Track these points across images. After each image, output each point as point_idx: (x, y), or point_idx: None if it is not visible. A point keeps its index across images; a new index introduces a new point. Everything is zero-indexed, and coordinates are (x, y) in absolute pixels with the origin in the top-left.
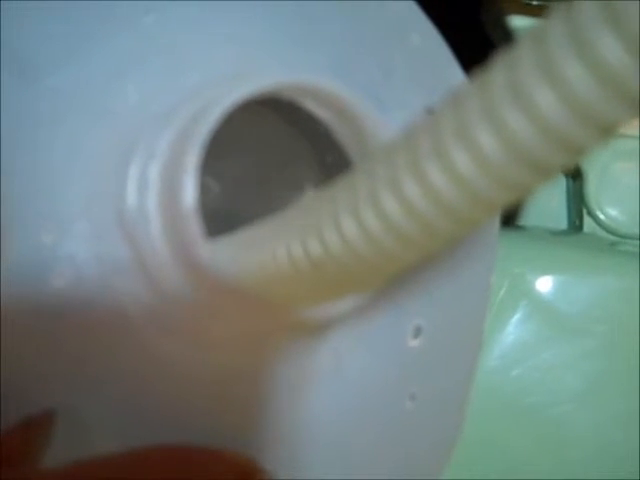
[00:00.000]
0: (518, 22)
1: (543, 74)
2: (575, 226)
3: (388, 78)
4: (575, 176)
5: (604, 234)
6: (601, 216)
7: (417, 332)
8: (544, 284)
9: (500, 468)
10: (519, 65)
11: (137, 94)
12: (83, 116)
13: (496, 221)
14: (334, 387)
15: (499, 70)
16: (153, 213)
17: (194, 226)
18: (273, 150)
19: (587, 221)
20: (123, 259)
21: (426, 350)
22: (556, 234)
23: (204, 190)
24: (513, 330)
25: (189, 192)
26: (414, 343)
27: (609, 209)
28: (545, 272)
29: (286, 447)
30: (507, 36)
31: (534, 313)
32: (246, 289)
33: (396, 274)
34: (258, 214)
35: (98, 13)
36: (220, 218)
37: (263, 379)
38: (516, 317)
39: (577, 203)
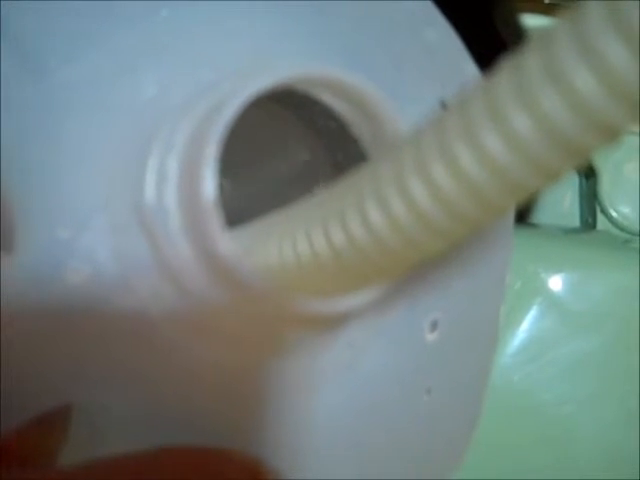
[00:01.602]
0: (530, 20)
1: (550, 78)
2: (588, 224)
3: (401, 72)
4: (588, 174)
5: (617, 232)
6: (614, 214)
7: (434, 326)
8: (557, 282)
9: (507, 465)
10: (526, 69)
11: (154, 87)
12: (99, 109)
13: (511, 215)
14: (350, 382)
15: (506, 73)
16: (172, 206)
17: (214, 218)
18: (285, 148)
19: (600, 219)
20: (141, 254)
21: (442, 344)
22: (569, 232)
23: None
24: (527, 327)
25: (208, 184)
26: (431, 337)
27: (622, 207)
28: (558, 270)
29: (302, 442)
30: (519, 34)
31: (548, 311)
32: (265, 280)
33: (417, 264)
34: (266, 208)
35: (111, 6)
36: (232, 217)
37: (279, 374)
38: (530, 315)
39: (590, 201)
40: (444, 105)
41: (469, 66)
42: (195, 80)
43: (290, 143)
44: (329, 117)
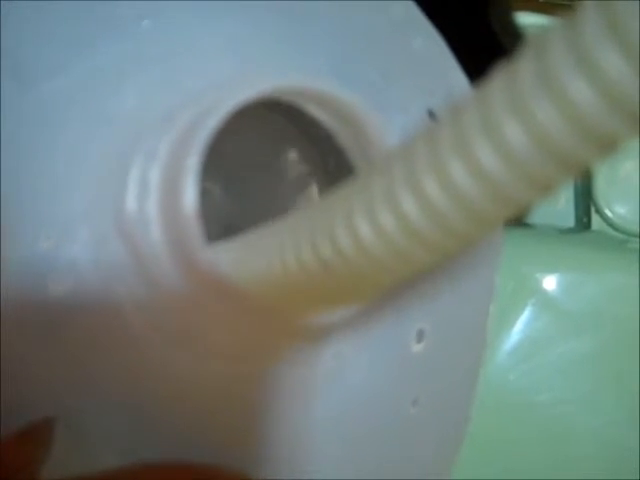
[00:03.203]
0: (525, 19)
1: (544, 89)
2: (583, 224)
3: (388, 81)
4: (583, 174)
5: (612, 232)
6: (609, 214)
7: (420, 336)
8: (552, 282)
9: (504, 465)
10: (520, 79)
11: (136, 98)
12: (82, 120)
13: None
14: (337, 392)
15: (499, 83)
16: (153, 217)
17: (195, 230)
18: (275, 154)
19: (595, 219)
20: (123, 264)
21: (429, 355)
22: (564, 232)
23: (204, 194)
24: (521, 328)
25: (190, 195)
26: (417, 348)
27: (617, 207)
28: (553, 270)
29: (288, 453)
30: (514, 33)
31: (542, 311)
32: (248, 294)
33: (408, 277)
34: (260, 218)
35: (94, 18)
36: (220, 222)
37: (264, 385)
38: (524, 315)
39: (585, 201)
40: (432, 114)
41: (457, 74)
42: (177, 91)
43: (282, 148)
44: (319, 125)
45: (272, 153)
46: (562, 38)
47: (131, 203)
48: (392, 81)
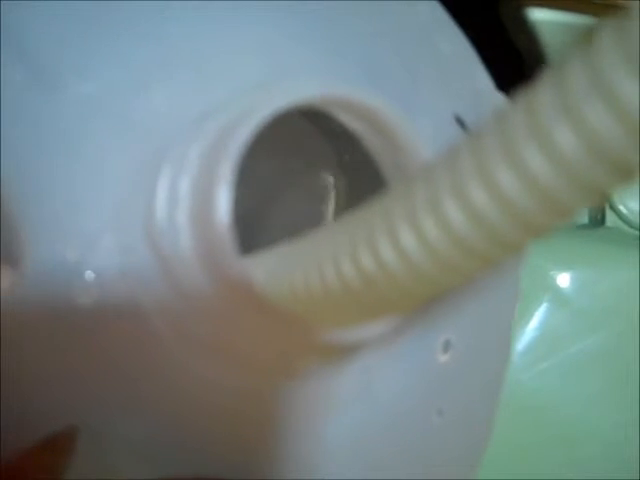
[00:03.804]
0: (537, 14)
1: (564, 115)
2: (597, 220)
3: (416, 85)
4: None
5: (626, 228)
6: (623, 210)
7: (446, 347)
8: (566, 279)
9: (517, 464)
10: (540, 105)
11: (166, 104)
12: (109, 126)
13: None
14: (363, 405)
15: (519, 109)
16: (183, 227)
17: (228, 241)
18: (290, 147)
19: (609, 215)
20: (151, 274)
21: (455, 365)
22: (578, 228)
23: None
24: (536, 326)
25: (222, 206)
26: (443, 358)
27: (631, 203)
28: (567, 267)
29: (314, 467)
30: (526, 29)
31: (556, 308)
32: (280, 307)
33: (431, 298)
34: (275, 213)
35: (120, 22)
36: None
37: (292, 399)
38: (539, 312)
39: None
40: (459, 120)
41: (483, 78)
42: (208, 97)
43: (295, 142)
44: (334, 120)
45: (284, 147)
46: (581, 65)
47: (160, 212)
48: (420, 85)
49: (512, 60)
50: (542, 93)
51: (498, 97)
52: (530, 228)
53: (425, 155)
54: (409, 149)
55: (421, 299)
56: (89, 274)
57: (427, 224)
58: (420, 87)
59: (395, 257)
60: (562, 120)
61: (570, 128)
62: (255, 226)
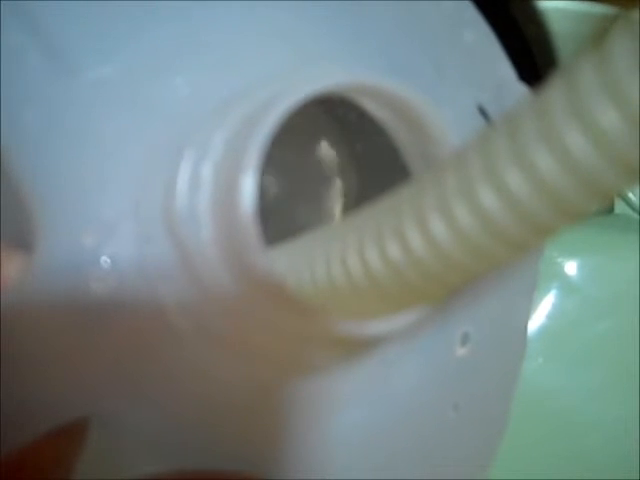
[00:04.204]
0: (547, 4)
1: (575, 118)
2: (606, 207)
3: (440, 75)
4: None
5: (635, 215)
6: (632, 197)
7: (465, 340)
8: (575, 266)
9: (520, 454)
10: (550, 107)
11: (188, 88)
12: (128, 110)
13: None
14: (381, 398)
15: (529, 112)
16: (205, 216)
17: (251, 233)
18: (302, 136)
19: (618, 202)
20: (170, 264)
21: (472, 358)
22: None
23: None
24: (544, 313)
25: (247, 195)
26: (461, 351)
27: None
28: (575, 254)
29: (331, 459)
30: (536, 19)
31: (565, 296)
32: (304, 300)
33: (476, 278)
34: (285, 202)
35: (142, 3)
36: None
37: (310, 392)
38: (547, 300)
39: None
40: (482, 111)
41: (506, 68)
42: (232, 81)
43: (307, 131)
44: (349, 107)
45: (296, 136)
46: (592, 69)
47: (180, 199)
48: (444, 74)
49: (521, 50)
50: (554, 92)
51: (520, 88)
52: (566, 212)
53: (453, 144)
54: (438, 138)
55: (449, 288)
56: (105, 261)
57: (459, 211)
58: (443, 77)
59: (424, 245)
60: (574, 123)
61: (581, 131)
62: (270, 217)
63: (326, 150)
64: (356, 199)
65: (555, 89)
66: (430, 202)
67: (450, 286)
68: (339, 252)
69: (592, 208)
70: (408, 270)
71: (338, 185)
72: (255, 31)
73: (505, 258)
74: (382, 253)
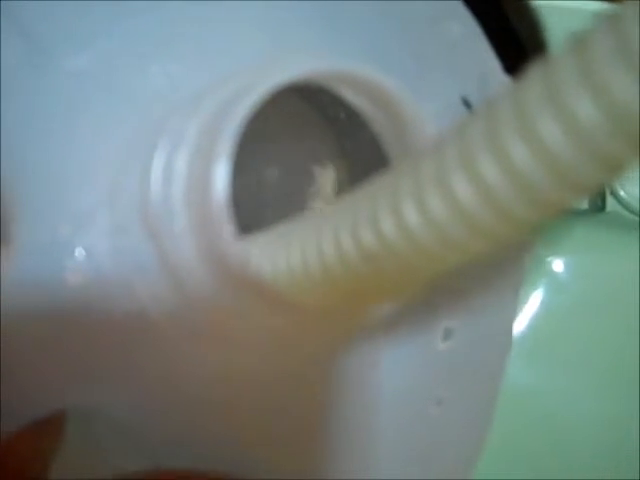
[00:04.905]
0: (540, 1)
1: (551, 110)
2: (597, 206)
3: (422, 66)
4: None
5: (627, 214)
6: (624, 195)
7: (447, 334)
8: (565, 265)
9: (508, 454)
10: (526, 97)
11: (163, 77)
12: (106, 101)
13: None
14: (362, 392)
15: (508, 101)
16: (179, 205)
17: (225, 222)
18: (291, 133)
19: (610, 201)
20: (145, 254)
21: (455, 353)
22: (578, 214)
23: None
24: (532, 311)
25: (220, 184)
26: (443, 346)
27: (632, 188)
28: (567, 252)
29: (313, 455)
30: (528, 16)
31: (553, 294)
32: (279, 290)
33: (434, 277)
34: (273, 199)
35: None
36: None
37: (291, 382)
38: (535, 298)
39: None
40: (467, 102)
41: (491, 61)
42: (207, 70)
43: (296, 128)
44: (338, 105)
45: (286, 133)
46: (571, 59)
47: (155, 189)
48: (426, 67)
49: (514, 47)
50: (559, 64)
51: (505, 79)
52: (540, 203)
53: (430, 132)
54: (413, 125)
55: (423, 278)
56: (80, 253)
57: (432, 199)
58: (427, 68)
59: (397, 233)
60: (579, 90)
61: (588, 99)
62: (253, 211)
63: (318, 147)
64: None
65: (532, 79)
66: (404, 190)
67: (424, 276)
68: (315, 240)
69: (567, 201)
70: (381, 258)
71: (329, 180)
72: (231, 20)
73: (478, 249)
74: (356, 240)
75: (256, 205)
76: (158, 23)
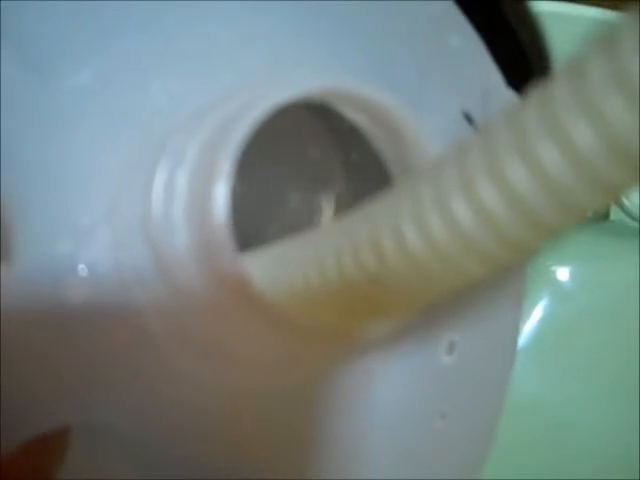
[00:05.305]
0: (541, 7)
1: (549, 135)
2: (601, 214)
3: (425, 80)
4: None
5: (630, 222)
6: (627, 203)
7: (451, 348)
8: (569, 273)
9: (517, 463)
10: (554, 101)
11: (164, 95)
12: (106, 118)
13: None
14: (364, 407)
15: (505, 124)
16: (180, 223)
17: (225, 239)
18: (294, 144)
19: (613, 209)
20: (146, 270)
21: (459, 367)
22: (582, 223)
23: None
24: (537, 321)
25: (220, 202)
26: (447, 360)
27: (635, 196)
28: (570, 261)
29: (310, 470)
30: (529, 22)
31: (558, 303)
32: (279, 307)
33: (451, 292)
34: (277, 211)
35: (118, 10)
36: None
37: (290, 400)
38: (540, 307)
39: None
40: (468, 116)
41: (493, 74)
42: (208, 88)
43: (300, 139)
44: (342, 117)
45: (289, 144)
46: (567, 84)
47: (156, 207)
48: (429, 80)
49: (515, 53)
50: (558, 88)
51: (508, 94)
52: (539, 227)
53: (431, 151)
54: (414, 143)
55: (424, 299)
56: (82, 269)
57: (433, 222)
58: (429, 83)
59: (398, 254)
60: (578, 116)
61: (587, 124)
62: (257, 225)
63: (320, 158)
64: (347, 207)
65: (530, 103)
66: (405, 212)
67: (425, 296)
68: (316, 259)
69: (566, 225)
70: (382, 279)
71: (331, 193)
72: (232, 37)
73: (478, 272)
74: (357, 261)
75: (259, 218)
76: (159, 40)
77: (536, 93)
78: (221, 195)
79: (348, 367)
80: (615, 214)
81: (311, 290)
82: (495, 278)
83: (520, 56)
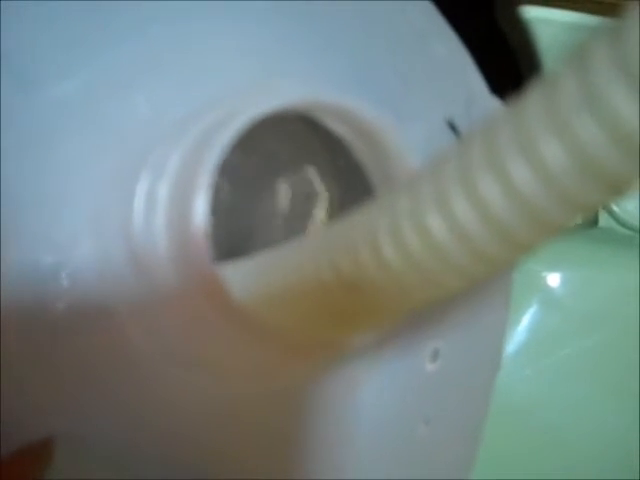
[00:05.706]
0: (532, 13)
1: (552, 127)
2: (590, 221)
3: (408, 89)
4: None
5: (619, 228)
6: (616, 210)
7: (435, 355)
8: (558, 280)
9: (507, 468)
10: (528, 115)
11: (147, 107)
12: (88, 129)
13: None
14: (347, 414)
15: (507, 119)
16: (160, 233)
17: (203, 249)
18: (285, 149)
19: (602, 215)
20: (128, 281)
21: (443, 374)
22: (570, 229)
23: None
24: (526, 327)
25: (199, 214)
26: (431, 367)
27: (624, 203)
28: (559, 268)
29: (295, 472)
30: (520, 27)
31: (547, 309)
32: (258, 315)
33: (429, 303)
34: (264, 214)
35: (101, 21)
36: (230, 218)
37: (272, 406)
38: (530, 314)
39: None
40: (451, 125)
41: (477, 82)
42: (191, 100)
43: (291, 145)
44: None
45: (280, 149)
46: (571, 76)
47: (138, 218)
48: (412, 88)
49: (506, 59)
50: (531, 105)
51: (492, 101)
52: (511, 243)
53: (413, 162)
54: (396, 156)
55: (402, 309)
56: (65, 279)
57: (408, 235)
58: (412, 91)
59: (375, 265)
60: (550, 134)
61: (558, 143)
62: (244, 229)
63: (312, 166)
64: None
65: (503, 120)
66: (382, 224)
67: (403, 306)
68: (295, 269)
69: (539, 241)
70: (359, 287)
71: (323, 199)
72: (216, 48)
73: (454, 285)
74: (335, 270)
75: (249, 224)
76: (142, 52)
77: (510, 109)
78: (200, 207)
79: (332, 374)
80: (604, 221)
81: (290, 300)
82: (479, 286)
83: (510, 60)
